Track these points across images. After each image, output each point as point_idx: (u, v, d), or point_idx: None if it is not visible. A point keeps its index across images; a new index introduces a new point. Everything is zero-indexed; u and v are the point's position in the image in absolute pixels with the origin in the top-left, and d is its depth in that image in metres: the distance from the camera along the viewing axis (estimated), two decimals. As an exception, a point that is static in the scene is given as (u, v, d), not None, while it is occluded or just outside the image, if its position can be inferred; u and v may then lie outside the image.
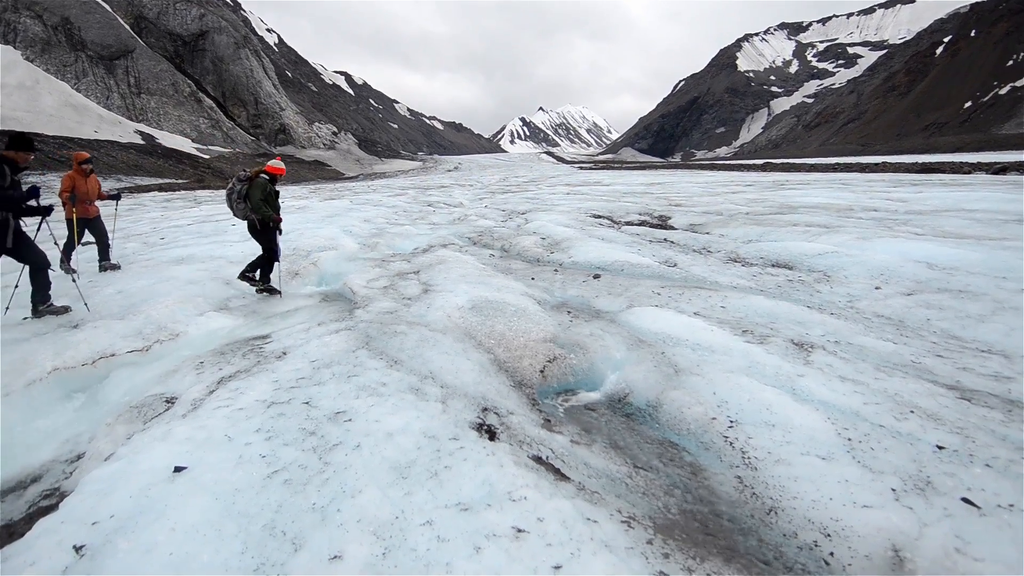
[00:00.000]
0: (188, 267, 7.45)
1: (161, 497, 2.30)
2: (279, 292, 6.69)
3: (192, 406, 3.33)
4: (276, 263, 6.68)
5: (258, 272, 6.59)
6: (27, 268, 5.26)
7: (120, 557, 1.97)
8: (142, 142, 65.24)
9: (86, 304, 5.57)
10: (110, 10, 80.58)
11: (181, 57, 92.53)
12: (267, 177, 6.37)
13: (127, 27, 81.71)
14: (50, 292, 5.43)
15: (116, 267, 7.81)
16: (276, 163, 6.51)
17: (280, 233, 6.63)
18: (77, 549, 2.03)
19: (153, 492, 2.33)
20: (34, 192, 4.92)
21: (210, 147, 76.35)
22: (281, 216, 6.54)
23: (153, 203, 26.27)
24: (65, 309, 5.46)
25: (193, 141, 76.20)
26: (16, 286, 5.49)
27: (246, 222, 6.45)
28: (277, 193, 6.43)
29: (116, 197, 8.21)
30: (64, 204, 7.53)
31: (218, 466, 2.54)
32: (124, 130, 67.16)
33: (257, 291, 6.65)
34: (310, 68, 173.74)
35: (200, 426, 2.94)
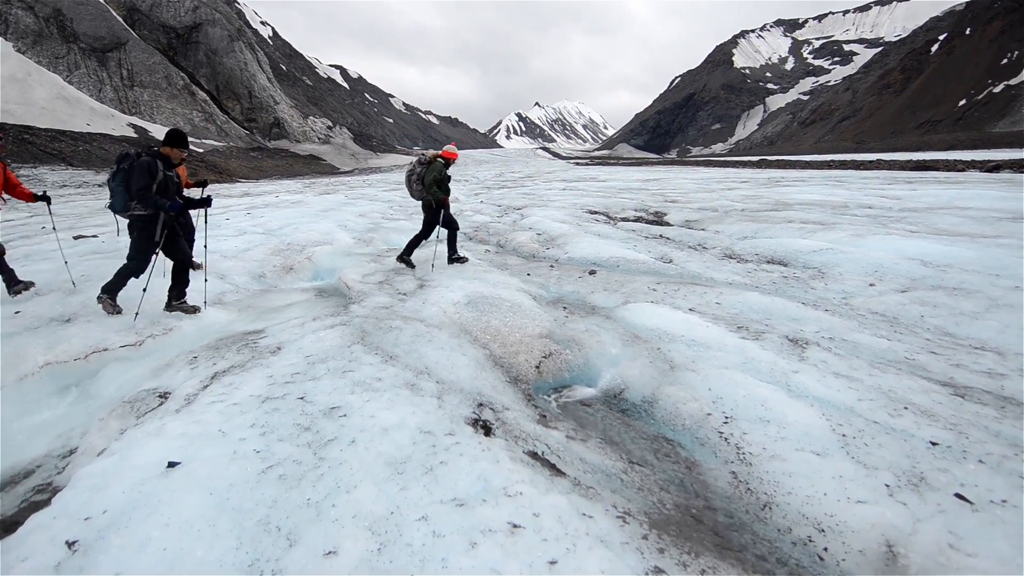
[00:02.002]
0: (182, 261, 7.40)
1: (155, 492, 2.28)
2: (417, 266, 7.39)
3: (186, 401, 3.31)
4: (425, 239, 7.44)
5: (411, 250, 7.38)
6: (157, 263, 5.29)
7: (113, 552, 1.96)
8: (135, 135, 64.71)
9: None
10: (102, 1, 79.81)
11: (174, 50, 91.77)
12: (442, 161, 6.93)
13: (120, 19, 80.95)
14: (187, 290, 5.49)
15: (199, 266, 7.31)
16: (451, 148, 7.14)
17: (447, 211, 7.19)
18: (70, 544, 2.02)
19: (146, 487, 2.32)
20: (206, 202, 5.12)
21: (204, 140, 75.79)
22: (449, 199, 7.14)
23: (146, 197, 26.06)
24: (195, 308, 5.46)
25: (187, 134, 75.73)
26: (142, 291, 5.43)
27: (421, 201, 7.18)
28: (449, 177, 7.03)
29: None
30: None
31: (212, 461, 2.52)
32: (117, 123, 66.58)
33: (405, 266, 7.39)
34: (305, 61, 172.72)
35: (194, 421, 2.92)
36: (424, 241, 7.42)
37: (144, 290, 5.07)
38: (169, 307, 5.39)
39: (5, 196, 5.81)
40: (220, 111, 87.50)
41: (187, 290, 5.45)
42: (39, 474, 3.12)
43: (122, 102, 73.64)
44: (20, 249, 9.14)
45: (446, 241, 7.36)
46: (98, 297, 5.19)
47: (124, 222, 5.13)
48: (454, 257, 7.33)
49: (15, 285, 5.86)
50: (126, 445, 2.73)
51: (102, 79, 73.33)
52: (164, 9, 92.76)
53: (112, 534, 2.04)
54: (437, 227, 7.20)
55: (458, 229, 7.38)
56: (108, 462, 2.55)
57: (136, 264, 5.12)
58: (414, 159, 7.21)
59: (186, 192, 7.42)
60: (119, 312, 5.15)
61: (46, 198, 6.07)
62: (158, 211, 4.89)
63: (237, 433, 2.79)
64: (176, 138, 5.04)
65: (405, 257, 7.43)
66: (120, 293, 5.23)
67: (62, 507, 2.24)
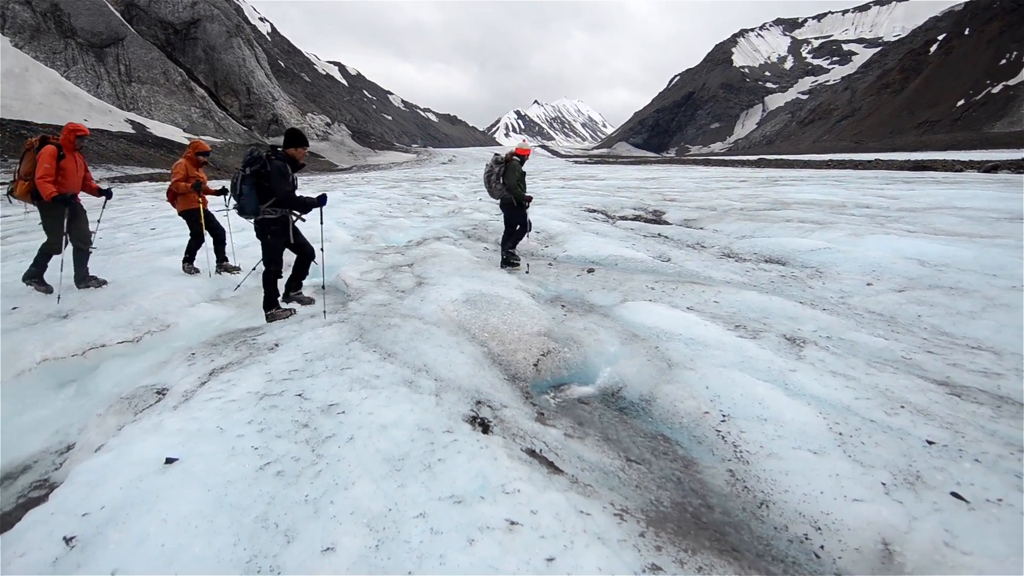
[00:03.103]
0: (180, 258, 7.37)
1: (152, 488, 2.28)
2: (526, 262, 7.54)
3: (183, 397, 3.31)
4: (527, 235, 7.57)
5: (515, 246, 7.50)
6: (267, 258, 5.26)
7: (111, 548, 1.96)
8: (132, 131, 64.54)
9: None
10: (100, -3, 79.43)
11: (172, 45, 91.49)
12: (518, 159, 7.03)
13: (118, 14, 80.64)
14: (303, 282, 5.73)
15: (236, 269, 7.30)
16: (524, 145, 7.24)
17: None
18: (67, 540, 2.02)
19: (144, 483, 2.32)
20: (323, 200, 5.06)
21: (202, 136, 75.60)
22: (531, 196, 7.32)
23: (144, 193, 26.03)
24: (311, 300, 5.67)
25: (184, 131, 75.45)
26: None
27: (499, 200, 7.25)
28: (524, 173, 7.10)
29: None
30: (186, 194, 6.76)
31: (210, 458, 2.52)
32: (114, 119, 66.41)
33: (514, 263, 7.42)
34: (303, 58, 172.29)
35: (192, 417, 2.92)
36: (520, 239, 7.54)
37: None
38: (287, 298, 5.57)
39: (22, 205, 5.77)
40: (218, 107, 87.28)
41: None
42: (36, 470, 3.12)
43: (120, 98, 73.40)
44: (18, 244, 9.13)
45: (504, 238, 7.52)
46: (267, 316, 5.21)
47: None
48: (510, 254, 7.44)
49: (34, 279, 5.78)
50: (124, 441, 2.73)
51: (100, 74, 73.07)
52: (162, 5, 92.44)
53: (110, 530, 2.04)
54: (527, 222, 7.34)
55: (529, 232, 7.49)
56: (106, 458, 2.55)
57: (275, 268, 5.15)
58: (490, 159, 7.23)
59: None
60: (293, 313, 5.29)
61: (108, 193, 6.16)
62: (294, 211, 5.02)
63: (235, 430, 2.79)
64: (300, 138, 5.00)
65: (509, 260, 7.43)
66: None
67: (60, 503, 2.23)
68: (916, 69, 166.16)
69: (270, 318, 5.19)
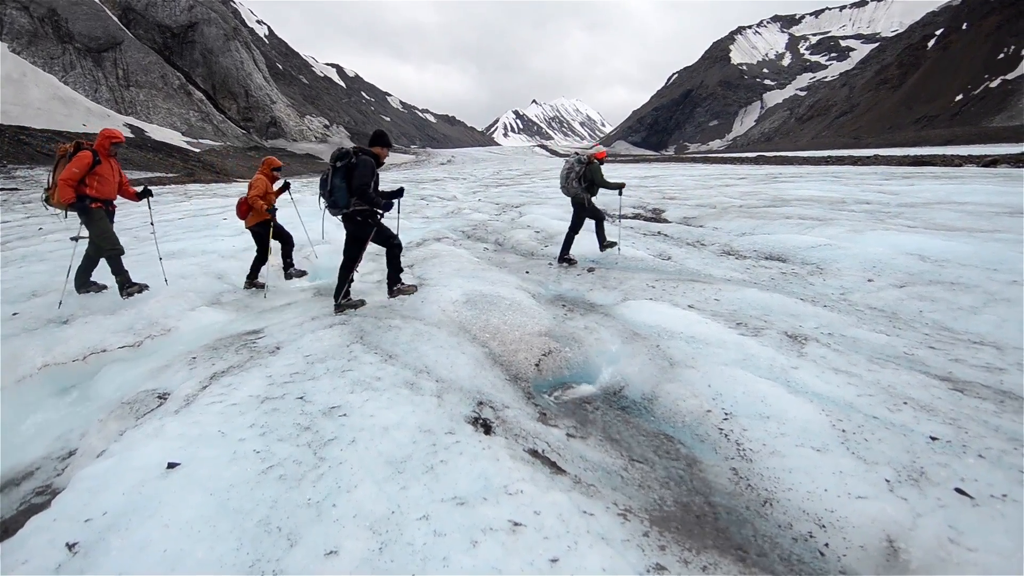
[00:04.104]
0: (179, 262, 7.39)
1: (154, 494, 2.27)
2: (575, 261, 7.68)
3: (185, 402, 3.31)
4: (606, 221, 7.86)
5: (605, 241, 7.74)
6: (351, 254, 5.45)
7: (113, 554, 1.95)
8: (131, 135, 64.52)
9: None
10: (97, 1, 79.46)
11: (170, 49, 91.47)
12: (598, 162, 7.36)
13: (115, 19, 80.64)
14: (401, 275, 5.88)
15: (303, 273, 7.38)
16: (600, 148, 7.63)
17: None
18: (70, 547, 2.01)
19: (146, 489, 2.31)
20: (400, 193, 5.39)
21: (200, 140, 75.63)
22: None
23: (143, 197, 25.99)
24: (414, 288, 5.78)
25: (183, 134, 75.47)
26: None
27: (571, 198, 7.55)
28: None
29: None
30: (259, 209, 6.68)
31: (212, 462, 2.51)
32: (113, 123, 66.36)
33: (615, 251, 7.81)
34: (301, 60, 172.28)
35: (193, 422, 2.92)
36: (603, 231, 7.78)
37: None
38: (391, 293, 5.71)
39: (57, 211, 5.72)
40: (216, 111, 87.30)
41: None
42: (38, 476, 3.12)
43: (118, 102, 73.40)
44: (18, 250, 9.12)
45: (596, 234, 7.79)
46: (337, 306, 5.37)
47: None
48: (606, 244, 7.75)
49: (129, 287, 5.71)
50: (125, 446, 2.72)
51: (98, 79, 73.08)
52: (159, 8, 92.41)
53: (112, 536, 2.04)
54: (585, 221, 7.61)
55: (604, 220, 7.80)
56: (107, 464, 2.54)
57: (355, 256, 5.40)
58: (571, 158, 7.44)
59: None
60: (363, 303, 5.48)
61: (148, 193, 6.11)
62: (373, 206, 5.16)
63: (236, 433, 2.78)
64: (385, 139, 5.33)
65: (565, 256, 7.66)
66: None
67: (62, 509, 2.23)
68: (914, 64, 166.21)
69: (339, 308, 5.34)
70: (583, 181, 7.33)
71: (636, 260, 7.47)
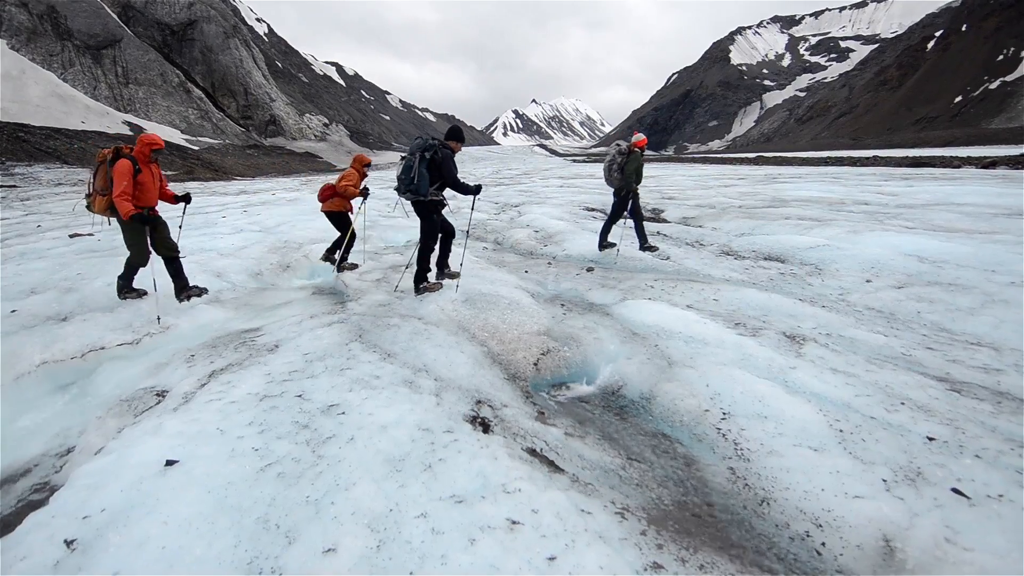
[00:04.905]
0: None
1: (153, 491, 2.27)
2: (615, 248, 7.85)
3: (183, 399, 3.31)
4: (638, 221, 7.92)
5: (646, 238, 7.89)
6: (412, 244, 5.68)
7: (112, 551, 1.96)
8: (130, 133, 64.36)
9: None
10: (97, -2, 79.27)
11: (169, 47, 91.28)
12: (639, 151, 7.38)
13: (114, 16, 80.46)
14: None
15: (355, 266, 7.62)
16: (640, 136, 7.54)
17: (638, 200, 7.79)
18: (68, 543, 2.01)
19: (145, 486, 2.31)
20: (479, 189, 5.58)
21: (199, 138, 75.49)
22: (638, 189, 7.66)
23: (142, 195, 25.94)
24: (457, 274, 6.05)
25: (182, 132, 75.30)
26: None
27: (615, 189, 7.61)
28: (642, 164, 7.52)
29: None
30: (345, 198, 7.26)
31: (210, 459, 2.52)
32: (112, 121, 66.24)
33: (653, 253, 7.82)
34: (300, 58, 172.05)
35: (192, 419, 2.92)
36: (614, 225, 7.94)
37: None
38: (440, 275, 6.07)
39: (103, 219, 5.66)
40: (216, 109, 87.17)
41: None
42: (37, 473, 3.12)
43: (117, 100, 73.25)
44: (15, 247, 9.11)
45: (636, 231, 7.93)
46: (417, 289, 5.71)
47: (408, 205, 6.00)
48: (646, 245, 7.89)
49: (186, 291, 5.69)
50: (124, 444, 2.72)
51: (97, 76, 72.91)
52: (159, 6, 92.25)
53: (111, 533, 2.04)
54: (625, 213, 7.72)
55: (643, 220, 7.88)
56: (106, 461, 2.54)
57: (432, 242, 5.74)
58: (613, 149, 7.53)
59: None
60: (441, 287, 5.72)
61: (187, 198, 6.05)
62: (466, 192, 5.50)
63: (235, 431, 2.78)
64: (460, 133, 5.68)
65: (606, 243, 7.89)
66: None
67: (60, 506, 2.23)
68: (913, 66, 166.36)
69: (421, 291, 5.69)
70: (624, 171, 7.44)
71: (635, 260, 7.47)
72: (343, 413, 2.99)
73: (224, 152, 69.56)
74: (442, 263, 6.11)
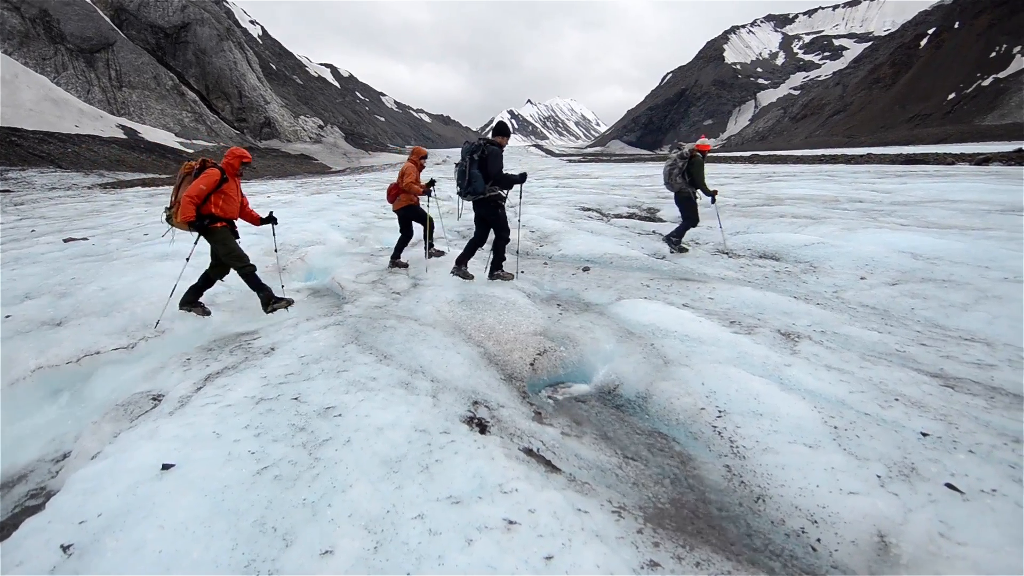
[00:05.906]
0: (173, 263, 7.35)
1: (149, 495, 2.27)
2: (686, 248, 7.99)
3: (179, 403, 3.30)
4: (693, 227, 8.02)
5: (677, 237, 7.95)
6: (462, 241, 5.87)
7: (108, 556, 1.95)
8: (124, 136, 64.19)
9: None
10: (89, 2, 79.01)
11: (163, 50, 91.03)
12: (701, 155, 7.50)
13: (107, 19, 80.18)
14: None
15: (441, 253, 7.91)
16: (704, 141, 7.71)
17: (715, 202, 7.98)
18: (65, 548, 2.01)
19: (141, 490, 2.31)
20: (524, 177, 5.96)
21: (194, 141, 75.29)
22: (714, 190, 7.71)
23: (136, 198, 25.91)
24: (511, 275, 6.32)
25: (176, 135, 75.09)
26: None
27: (675, 192, 7.77)
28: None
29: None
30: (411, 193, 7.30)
31: (207, 463, 2.51)
32: (106, 124, 66.02)
33: (673, 251, 7.90)
34: (295, 60, 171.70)
35: (188, 423, 2.91)
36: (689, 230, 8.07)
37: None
38: (492, 276, 6.26)
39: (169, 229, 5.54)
40: (210, 111, 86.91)
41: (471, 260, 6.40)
42: (33, 478, 3.11)
43: (111, 103, 72.99)
44: (10, 253, 9.07)
45: (680, 228, 8.00)
46: (491, 276, 6.17)
47: (467, 205, 6.24)
48: (675, 244, 7.97)
49: (275, 302, 5.50)
50: (120, 448, 2.72)
51: (90, 80, 72.64)
52: (152, 9, 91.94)
53: (107, 537, 2.04)
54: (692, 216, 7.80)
55: (695, 225, 7.99)
56: (102, 465, 2.54)
57: (506, 234, 6.08)
58: (674, 154, 7.57)
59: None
60: (512, 277, 6.23)
61: (273, 220, 5.87)
62: (511, 182, 5.84)
63: (231, 434, 2.78)
64: (506, 129, 6.03)
65: (675, 241, 7.92)
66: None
67: (56, 511, 2.23)
68: (907, 63, 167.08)
69: (495, 277, 6.15)
70: (686, 176, 7.52)
71: (631, 259, 7.49)
72: (339, 415, 2.99)
73: (219, 155, 69.33)
74: (497, 263, 6.27)
